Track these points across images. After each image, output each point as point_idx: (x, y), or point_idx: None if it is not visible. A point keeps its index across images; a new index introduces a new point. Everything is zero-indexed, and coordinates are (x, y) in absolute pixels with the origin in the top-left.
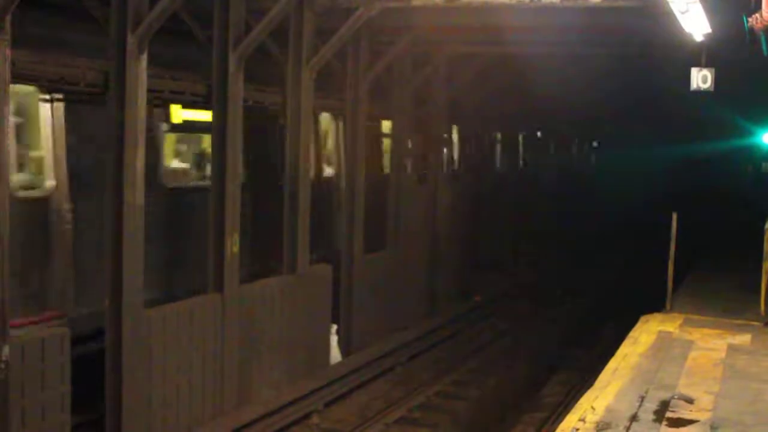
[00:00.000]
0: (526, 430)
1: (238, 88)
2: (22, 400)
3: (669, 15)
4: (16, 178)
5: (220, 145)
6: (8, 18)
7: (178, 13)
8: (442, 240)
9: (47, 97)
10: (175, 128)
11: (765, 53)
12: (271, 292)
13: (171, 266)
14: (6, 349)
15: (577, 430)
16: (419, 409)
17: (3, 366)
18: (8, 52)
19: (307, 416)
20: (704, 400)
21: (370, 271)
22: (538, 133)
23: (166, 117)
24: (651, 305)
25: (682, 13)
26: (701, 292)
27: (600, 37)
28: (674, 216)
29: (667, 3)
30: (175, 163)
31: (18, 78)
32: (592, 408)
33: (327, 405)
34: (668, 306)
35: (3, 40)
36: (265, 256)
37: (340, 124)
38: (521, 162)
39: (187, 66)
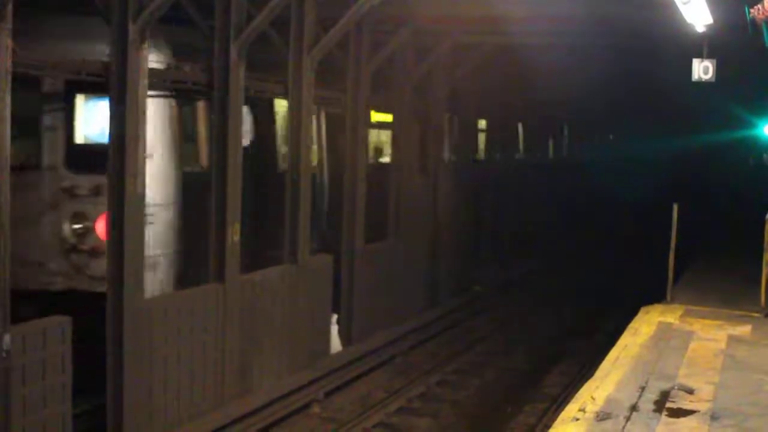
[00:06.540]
0: (527, 420)
1: (239, 78)
2: (23, 389)
3: (671, 5)
4: None
5: (221, 134)
6: (9, 8)
7: (180, 1)
8: (444, 230)
9: None
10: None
11: (766, 44)
12: (272, 282)
13: None
14: (7, 338)
15: (577, 420)
16: (419, 399)
17: (4, 355)
18: (9, 42)
19: (307, 405)
20: (704, 390)
21: (371, 261)
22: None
23: None
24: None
25: (684, 3)
26: (702, 283)
27: (601, 27)
28: (675, 207)
29: None
30: None
31: None
32: (593, 398)
33: (327, 394)
34: (669, 297)
35: (4, 30)
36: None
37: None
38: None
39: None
